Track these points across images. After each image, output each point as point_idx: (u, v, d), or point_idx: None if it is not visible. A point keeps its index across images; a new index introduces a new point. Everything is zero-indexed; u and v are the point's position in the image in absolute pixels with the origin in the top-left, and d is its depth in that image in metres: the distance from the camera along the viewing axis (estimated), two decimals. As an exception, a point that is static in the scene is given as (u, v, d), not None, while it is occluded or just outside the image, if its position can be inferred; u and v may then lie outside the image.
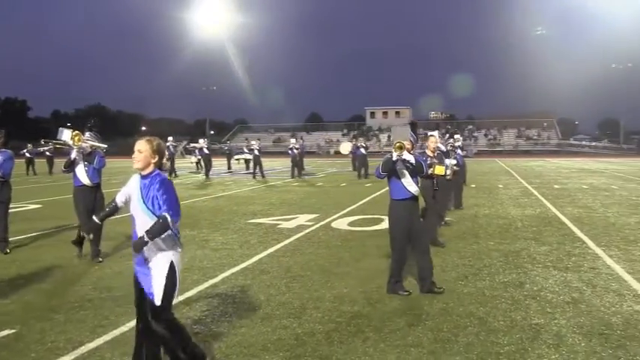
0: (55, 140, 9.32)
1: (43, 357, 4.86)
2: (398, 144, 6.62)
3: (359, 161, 28.42)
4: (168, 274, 4.11)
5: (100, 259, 8.47)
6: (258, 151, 27.97)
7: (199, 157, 30.83)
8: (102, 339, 5.26)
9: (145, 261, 4.10)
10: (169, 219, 3.94)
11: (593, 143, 79.32)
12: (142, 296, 4.18)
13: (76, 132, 8.56)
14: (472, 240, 10.12)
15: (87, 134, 8.81)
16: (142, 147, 4.15)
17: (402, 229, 6.75)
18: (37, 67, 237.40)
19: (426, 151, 9.68)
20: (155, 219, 3.99)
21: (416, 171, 6.74)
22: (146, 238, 3.90)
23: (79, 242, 8.80)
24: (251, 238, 10.45)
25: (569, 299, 6.35)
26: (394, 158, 6.62)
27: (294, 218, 12.97)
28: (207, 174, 28.27)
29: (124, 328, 5.51)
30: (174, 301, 4.29)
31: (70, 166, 8.65)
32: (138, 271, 4.18)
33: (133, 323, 5.57)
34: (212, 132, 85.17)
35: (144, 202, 4.10)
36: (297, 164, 28.44)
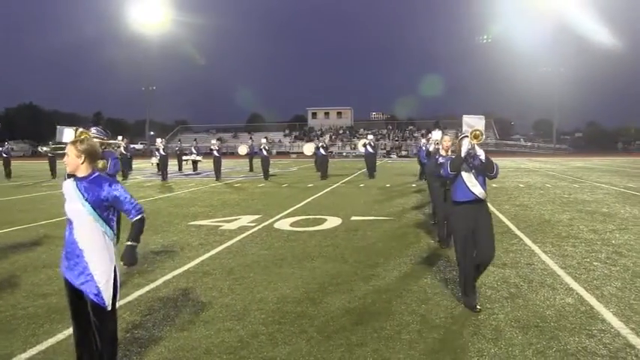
0: (55, 144, 7.71)
1: (-29, 370, 4.66)
2: (477, 132, 5.92)
3: (319, 162, 28.27)
4: (114, 277, 4.08)
5: None
6: (218, 152, 27.31)
7: (158, 157, 29.34)
8: (35, 349, 5.05)
9: (86, 266, 4.00)
10: (144, 216, 4.27)
11: (529, 143, 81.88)
12: (81, 303, 4.08)
13: (81, 130, 7.19)
14: (413, 238, 10.29)
15: (93, 130, 7.38)
16: (68, 150, 4.14)
17: (465, 233, 6.09)
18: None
19: (440, 150, 9.51)
20: (100, 219, 4.04)
21: (485, 169, 6.09)
22: (134, 243, 4.22)
23: None
24: (192, 240, 10.31)
25: (507, 294, 6.54)
26: (464, 150, 5.98)
27: (235, 219, 12.86)
28: (164, 176, 27.11)
29: (60, 336, 5.33)
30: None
31: None
32: (75, 277, 4.03)
33: (69, 331, 5.42)
34: (152, 133, 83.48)
35: (88, 202, 4.02)
36: (267, 165, 27.35)
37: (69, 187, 4.14)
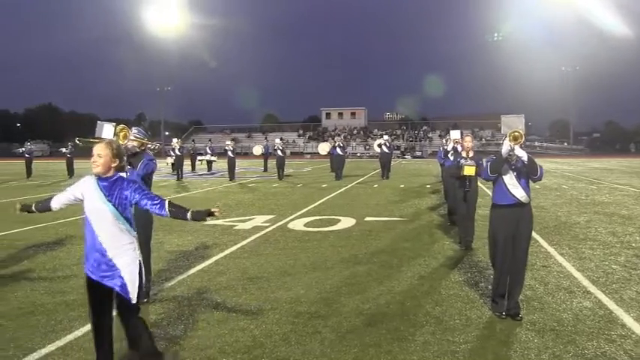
0: (94, 138, 7.02)
1: (-11, 365, 4.69)
2: (515, 133, 5.62)
3: (335, 161, 28.03)
4: (139, 272, 4.11)
5: None
6: (232, 152, 27.22)
7: (174, 157, 29.68)
8: (54, 345, 5.10)
9: (110, 263, 4.02)
10: (167, 200, 4.21)
11: (545, 144, 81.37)
12: (103, 300, 4.08)
13: (122, 126, 6.99)
14: (428, 239, 10.23)
15: (134, 130, 7.16)
16: (102, 151, 4.10)
17: (504, 237, 5.81)
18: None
19: (461, 151, 9.40)
20: (121, 217, 4.07)
21: (528, 172, 5.79)
22: (190, 214, 4.26)
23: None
24: (207, 239, 10.33)
25: (523, 297, 6.44)
26: (504, 152, 5.71)
27: (250, 219, 12.88)
28: (179, 175, 27.70)
29: (77, 333, 5.37)
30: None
31: None
32: (102, 275, 4.03)
33: (86, 328, 5.45)
34: (167, 133, 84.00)
35: (109, 201, 4.04)
36: (282, 165, 27.31)
37: (89, 186, 4.14)
